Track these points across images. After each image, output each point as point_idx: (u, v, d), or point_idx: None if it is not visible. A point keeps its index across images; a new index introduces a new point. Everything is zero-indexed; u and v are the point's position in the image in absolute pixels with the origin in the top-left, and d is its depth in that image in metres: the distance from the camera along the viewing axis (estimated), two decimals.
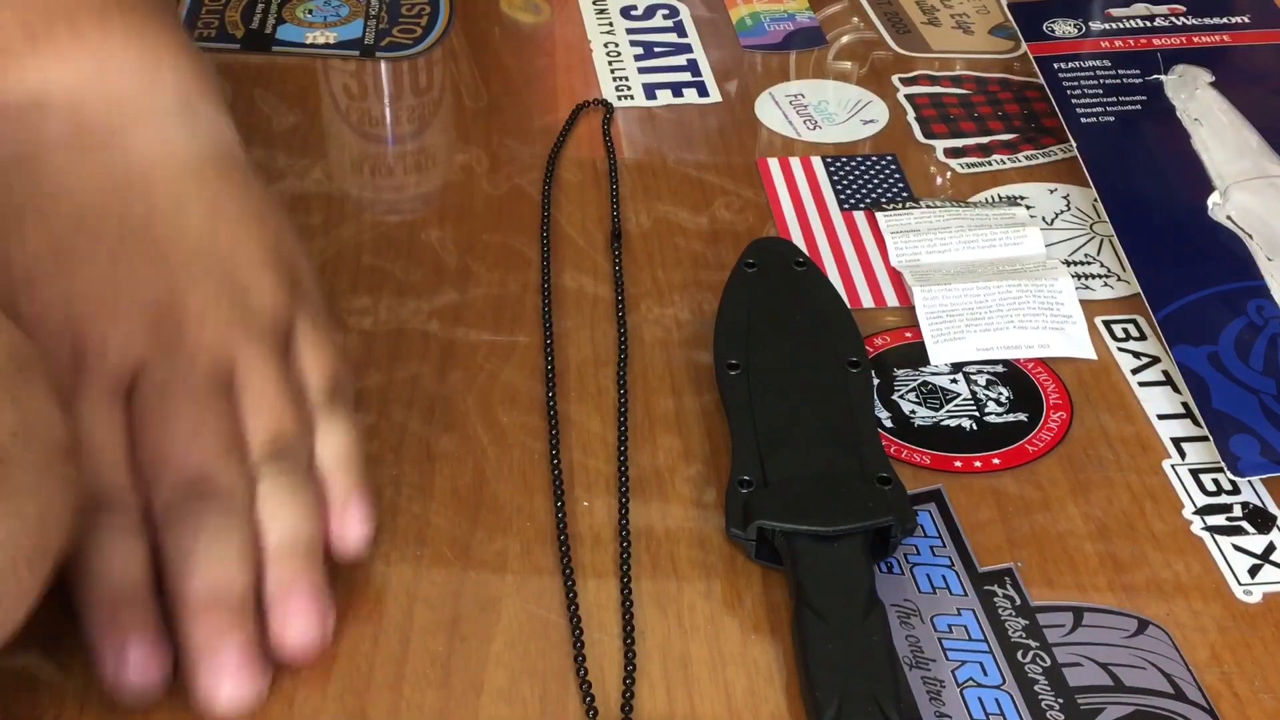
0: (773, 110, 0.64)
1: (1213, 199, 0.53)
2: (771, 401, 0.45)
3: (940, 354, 0.50)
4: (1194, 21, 0.63)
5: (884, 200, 0.58)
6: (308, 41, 0.67)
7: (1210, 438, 0.46)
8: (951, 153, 0.61)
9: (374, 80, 0.66)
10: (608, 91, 0.64)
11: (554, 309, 0.52)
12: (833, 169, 0.60)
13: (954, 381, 0.49)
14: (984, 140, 0.62)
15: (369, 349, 0.50)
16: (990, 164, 0.61)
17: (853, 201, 0.58)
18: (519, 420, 0.47)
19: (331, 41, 0.67)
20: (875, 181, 0.59)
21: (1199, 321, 0.49)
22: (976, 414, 0.48)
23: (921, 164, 0.60)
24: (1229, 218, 0.52)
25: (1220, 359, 0.47)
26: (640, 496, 0.45)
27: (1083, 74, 0.61)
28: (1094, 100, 0.59)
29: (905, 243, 0.55)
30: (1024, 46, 0.63)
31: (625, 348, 0.50)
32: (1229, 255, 0.52)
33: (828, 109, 0.64)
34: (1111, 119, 0.58)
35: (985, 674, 0.39)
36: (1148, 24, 0.63)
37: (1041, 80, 0.61)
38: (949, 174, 0.60)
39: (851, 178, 0.59)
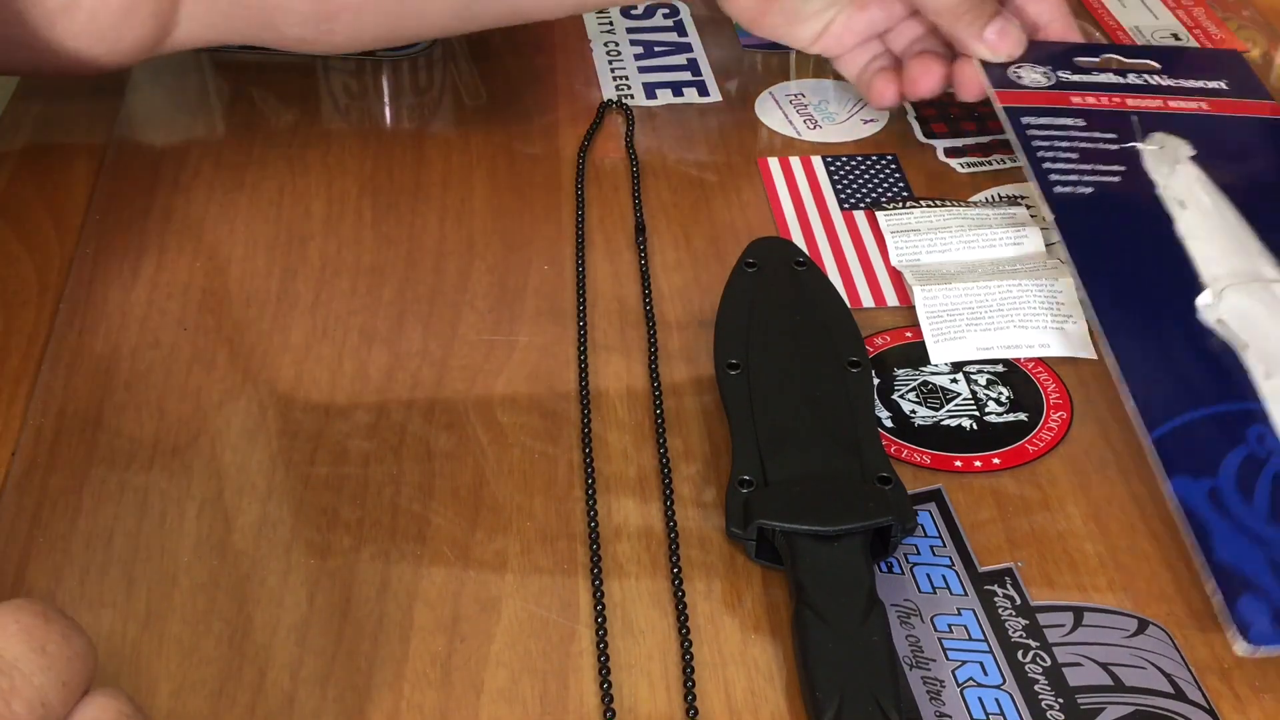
0: (773, 110, 0.64)
1: (1202, 299, 0.49)
2: (771, 401, 0.45)
3: (940, 354, 0.50)
4: (1169, 83, 0.59)
5: (884, 200, 0.58)
6: None
7: (1219, 595, 0.41)
8: (951, 153, 0.61)
9: (374, 80, 0.66)
10: (608, 91, 0.64)
11: (554, 310, 0.52)
12: (833, 169, 0.60)
13: (954, 381, 0.49)
14: (984, 140, 0.62)
15: (369, 349, 0.50)
16: (990, 164, 0.61)
17: (853, 201, 0.58)
18: (519, 420, 0.47)
19: None
20: (875, 181, 0.59)
21: (1197, 448, 0.44)
22: (976, 414, 0.48)
23: (921, 164, 0.60)
24: (1220, 320, 0.48)
25: (1221, 496, 0.43)
26: (640, 496, 0.45)
27: (1055, 133, 0.56)
28: (1068, 166, 0.55)
29: (905, 242, 0.55)
30: (991, 93, 0.58)
31: (655, 342, 0.50)
32: (1223, 371, 0.47)
33: (828, 109, 0.64)
34: (1089, 190, 0.54)
35: (985, 674, 0.39)
36: (1120, 79, 0.59)
37: (1011, 136, 0.57)
38: (949, 174, 0.60)
39: (851, 177, 0.59)
